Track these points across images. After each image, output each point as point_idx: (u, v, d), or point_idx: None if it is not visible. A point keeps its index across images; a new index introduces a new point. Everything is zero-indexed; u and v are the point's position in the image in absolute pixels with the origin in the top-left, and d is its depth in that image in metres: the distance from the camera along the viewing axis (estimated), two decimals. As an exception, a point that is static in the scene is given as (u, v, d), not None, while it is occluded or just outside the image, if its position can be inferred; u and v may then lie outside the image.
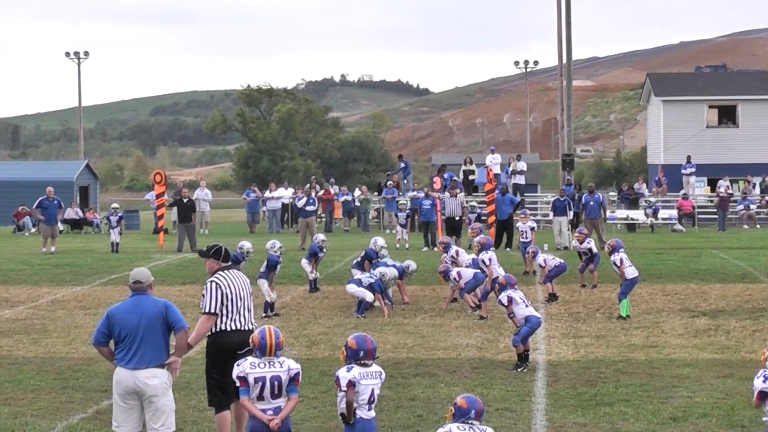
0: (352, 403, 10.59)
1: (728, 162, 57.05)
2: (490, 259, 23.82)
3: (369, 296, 23.62)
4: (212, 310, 12.59)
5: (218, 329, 12.65)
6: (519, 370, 17.37)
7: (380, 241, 26.14)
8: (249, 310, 12.86)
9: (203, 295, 12.70)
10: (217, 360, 12.66)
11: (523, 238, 32.05)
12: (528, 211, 35.01)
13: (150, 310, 11.67)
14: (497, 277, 19.80)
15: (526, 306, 17.96)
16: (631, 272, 22.89)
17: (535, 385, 16.32)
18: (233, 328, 12.65)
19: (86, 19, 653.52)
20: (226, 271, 12.84)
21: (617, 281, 23.93)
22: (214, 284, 12.68)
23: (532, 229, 32.15)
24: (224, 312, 12.64)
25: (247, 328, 12.65)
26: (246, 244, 24.78)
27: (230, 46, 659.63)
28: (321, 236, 27.79)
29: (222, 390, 12.58)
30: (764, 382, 10.71)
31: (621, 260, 22.87)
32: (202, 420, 14.20)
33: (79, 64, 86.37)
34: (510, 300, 17.82)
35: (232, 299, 12.66)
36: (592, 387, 16.07)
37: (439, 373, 17.29)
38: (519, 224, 32.86)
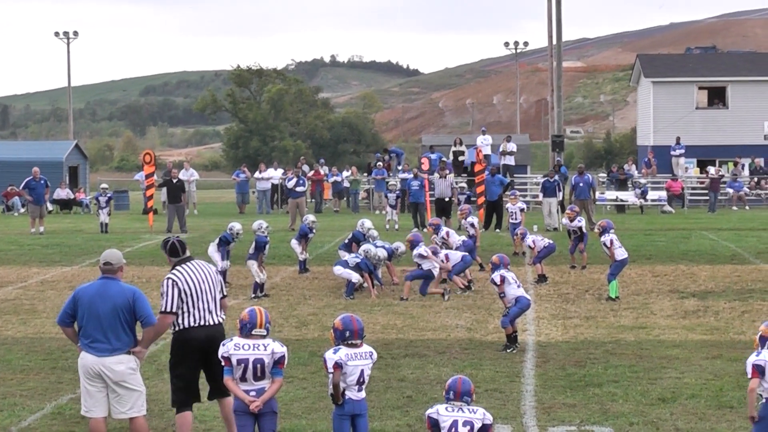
0: (339, 384, 10.57)
1: (718, 143, 57.11)
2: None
3: (355, 277, 23.61)
4: (169, 309, 11.95)
5: (182, 326, 12.00)
6: (508, 350, 17.39)
7: (367, 222, 26.16)
8: (215, 303, 12.19)
9: (161, 293, 12.09)
10: (182, 357, 12.11)
11: (512, 219, 32.07)
12: (518, 192, 35.01)
13: (117, 299, 11.50)
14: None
15: (518, 286, 17.97)
16: (620, 253, 22.92)
17: (524, 366, 16.34)
18: (198, 323, 12.04)
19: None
20: (185, 264, 12.20)
21: (606, 262, 23.98)
22: (170, 281, 12.06)
23: (522, 210, 32.16)
24: (185, 309, 12.02)
25: (212, 323, 12.10)
26: (236, 225, 24.87)
27: (220, 26, 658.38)
28: (311, 217, 27.78)
29: (186, 389, 12.12)
30: (757, 355, 10.80)
31: (611, 241, 22.89)
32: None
33: (68, 44, 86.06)
34: (503, 279, 17.81)
35: (192, 294, 12.02)
36: (581, 368, 16.10)
37: (429, 353, 17.31)
38: (509, 205, 32.85)
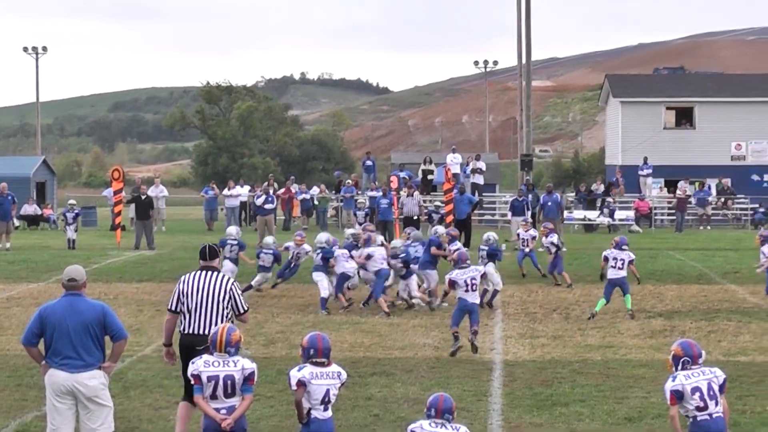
0: (300, 402, 10.53)
1: (685, 164, 57.37)
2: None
3: (325, 293, 23.70)
4: (170, 307, 12.71)
5: (180, 329, 12.65)
6: (452, 349, 18.51)
7: (322, 236, 25.42)
8: (213, 316, 12.46)
9: None
10: (182, 358, 12.56)
11: (523, 245, 31.04)
12: (530, 219, 33.98)
13: (87, 314, 11.43)
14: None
15: (466, 291, 18.74)
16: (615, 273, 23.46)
17: (491, 385, 16.36)
18: (190, 331, 12.55)
19: (44, 14, 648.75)
20: (200, 271, 12.74)
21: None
22: (178, 281, 12.74)
23: (533, 237, 31.13)
24: (184, 312, 12.59)
25: (205, 333, 12.26)
26: (232, 230, 26.28)
27: (190, 43, 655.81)
28: (269, 239, 27.69)
29: (185, 384, 12.43)
30: (673, 380, 10.84)
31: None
32: (157, 419, 14.13)
33: (37, 59, 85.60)
34: (452, 283, 18.85)
35: (190, 300, 12.52)
36: (548, 387, 16.13)
37: (396, 372, 17.30)
38: (520, 231, 31.62)
